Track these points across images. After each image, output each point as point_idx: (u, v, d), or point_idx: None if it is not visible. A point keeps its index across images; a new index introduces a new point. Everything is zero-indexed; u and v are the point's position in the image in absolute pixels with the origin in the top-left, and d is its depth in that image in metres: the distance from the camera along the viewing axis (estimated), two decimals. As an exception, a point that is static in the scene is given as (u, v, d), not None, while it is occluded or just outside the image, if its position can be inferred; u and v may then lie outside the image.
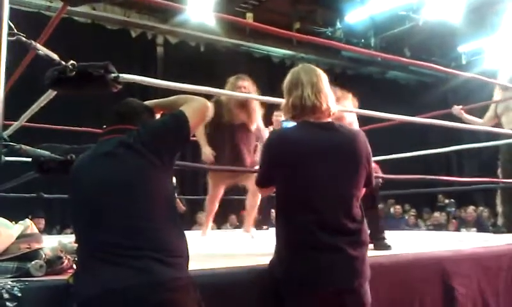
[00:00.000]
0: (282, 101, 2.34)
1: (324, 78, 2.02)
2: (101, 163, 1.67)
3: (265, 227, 6.09)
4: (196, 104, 1.90)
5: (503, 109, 4.67)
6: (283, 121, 2.27)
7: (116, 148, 1.68)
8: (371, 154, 2.00)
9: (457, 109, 4.82)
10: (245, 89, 3.78)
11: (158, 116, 1.99)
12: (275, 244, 1.97)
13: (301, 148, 1.89)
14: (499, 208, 4.79)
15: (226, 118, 3.85)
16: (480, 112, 4.94)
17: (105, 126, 1.83)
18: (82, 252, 1.64)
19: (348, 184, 1.90)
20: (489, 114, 4.79)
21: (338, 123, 2.00)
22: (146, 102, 1.99)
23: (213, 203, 4.15)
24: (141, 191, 1.63)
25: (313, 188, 1.86)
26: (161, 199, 1.68)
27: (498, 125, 4.67)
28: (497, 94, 4.77)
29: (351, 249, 1.84)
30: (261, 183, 2.08)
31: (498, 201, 4.79)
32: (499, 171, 4.67)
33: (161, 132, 1.76)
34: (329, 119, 2.00)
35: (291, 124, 2.04)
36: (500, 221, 4.79)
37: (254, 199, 4.12)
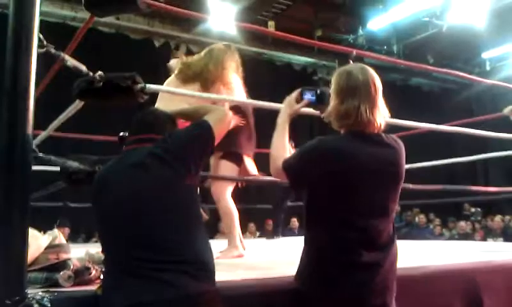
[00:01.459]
0: (305, 110, 2.25)
1: (380, 88, 1.89)
2: (130, 174, 1.67)
3: (276, 237, 6.05)
4: (219, 114, 1.91)
5: None
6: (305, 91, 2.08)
7: (145, 158, 1.67)
8: None
9: (508, 110, 4.69)
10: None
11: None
12: (306, 257, 1.90)
13: (352, 162, 1.80)
14: None
15: None
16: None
17: (127, 135, 1.84)
18: (110, 264, 1.64)
19: (392, 202, 1.87)
20: None
21: (386, 136, 1.91)
22: (170, 111, 1.99)
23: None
24: (170, 203, 1.63)
25: (361, 205, 1.81)
26: (189, 209, 1.68)
27: None
28: None
29: (387, 265, 1.82)
30: (288, 171, 1.91)
31: None
32: None
33: (188, 141, 1.76)
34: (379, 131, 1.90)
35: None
36: None
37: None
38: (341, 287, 1.78)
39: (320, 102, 2.03)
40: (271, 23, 9.51)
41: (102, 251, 1.72)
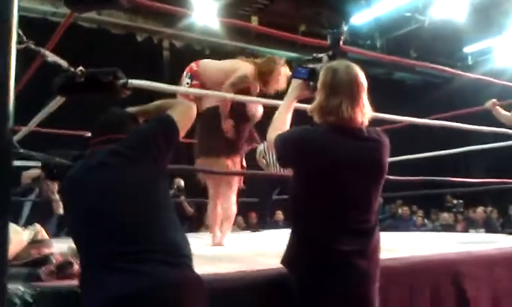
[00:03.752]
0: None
1: (364, 86, 1.96)
2: (96, 174, 1.68)
3: (261, 229, 6.08)
4: (182, 107, 1.95)
5: None
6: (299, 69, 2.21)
7: (108, 157, 1.70)
8: None
9: (490, 103, 4.75)
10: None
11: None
12: (291, 242, 1.96)
13: (332, 154, 1.87)
14: None
15: None
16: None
17: (92, 136, 1.85)
18: (86, 261, 1.64)
19: (373, 194, 1.93)
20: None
21: (368, 130, 1.97)
22: (131, 109, 2.02)
23: (215, 207, 3.82)
24: (140, 196, 1.66)
25: (341, 196, 1.88)
26: (159, 201, 1.70)
27: None
28: None
29: (369, 253, 1.88)
30: (277, 148, 2.01)
31: None
32: None
33: (150, 135, 1.79)
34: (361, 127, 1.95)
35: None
36: None
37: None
38: (324, 272, 1.84)
39: (312, 78, 2.12)
40: (254, 19, 9.51)
41: (78, 250, 1.71)
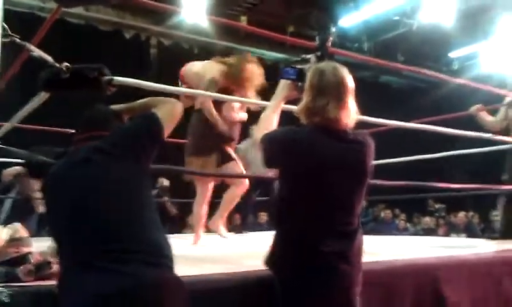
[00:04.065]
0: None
1: (351, 88, 1.98)
2: (79, 171, 1.67)
3: (244, 232, 6.07)
4: (168, 106, 1.93)
5: None
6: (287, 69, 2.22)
7: (91, 154, 1.69)
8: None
9: (474, 109, 4.80)
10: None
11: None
12: (275, 242, 1.97)
13: (316, 155, 1.89)
14: (498, 214, 4.77)
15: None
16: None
17: (76, 132, 1.84)
18: (67, 260, 1.63)
19: (356, 196, 1.94)
20: (500, 115, 4.78)
21: (354, 132, 1.99)
22: (116, 106, 2.01)
23: (201, 206, 3.87)
24: (123, 194, 1.65)
25: (325, 197, 1.89)
26: (142, 200, 1.69)
27: (508, 127, 4.66)
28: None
29: (351, 256, 1.89)
30: (262, 148, 2.02)
31: (500, 206, 4.74)
32: (506, 176, 4.63)
33: (133, 133, 1.79)
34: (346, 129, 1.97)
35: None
36: (498, 226, 4.75)
37: (238, 189, 3.94)
38: (308, 274, 1.85)
39: (300, 79, 2.13)
40: (243, 18, 9.49)
41: (57, 248, 1.69)
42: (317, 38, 2.55)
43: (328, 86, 1.93)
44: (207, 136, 3.69)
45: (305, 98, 1.99)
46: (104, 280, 1.49)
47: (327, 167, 1.88)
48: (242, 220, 6.70)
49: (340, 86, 1.94)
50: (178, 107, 1.98)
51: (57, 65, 2.03)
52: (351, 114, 1.96)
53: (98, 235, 1.57)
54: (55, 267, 1.80)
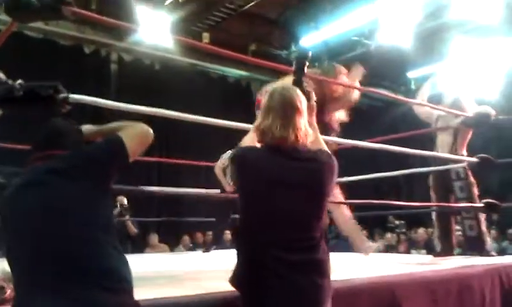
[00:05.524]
0: (238, 125, 2.38)
1: (299, 108, 2.01)
2: (31, 192, 1.62)
3: (213, 247, 6.05)
4: (134, 130, 1.91)
5: (441, 125, 4.85)
6: None
7: (45, 175, 1.65)
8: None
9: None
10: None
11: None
12: (237, 260, 1.98)
13: (265, 173, 1.93)
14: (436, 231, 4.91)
15: None
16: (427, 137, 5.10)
17: (31, 150, 1.79)
18: (19, 284, 1.57)
19: (311, 214, 1.95)
20: (429, 111, 4.93)
21: (309, 151, 2.02)
22: (87, 127, 1.97)
23: None
24: (78, 217, 1.60)
25: (275, 215, 1.90)
26: (99, 224, 1.65)
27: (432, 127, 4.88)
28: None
29: (309, 273, 1.89)
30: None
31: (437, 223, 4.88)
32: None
33: (95, 156, 1.76)
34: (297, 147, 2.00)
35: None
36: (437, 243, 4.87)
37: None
38: (263, 291, 1.85)
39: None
40: (206, 35, 9.50)
41: (11, 271, 1.63)
42: (294, 63, 2.58)
43: (275, 106, 2.00)
44: None
45: (257, 119, 2.08)
46: (59, 305, 1.44)
47: (274, 185, 1.90)
48: (213, 238, 6.68)
49: (285, 105, 1.99)
50: (147, 132, 1.95)
51: (10, 82, 1.97)
52: (303, 133, 1.99)
53: (53, 259, 1.52)
54: (8, 292, 1.74)
